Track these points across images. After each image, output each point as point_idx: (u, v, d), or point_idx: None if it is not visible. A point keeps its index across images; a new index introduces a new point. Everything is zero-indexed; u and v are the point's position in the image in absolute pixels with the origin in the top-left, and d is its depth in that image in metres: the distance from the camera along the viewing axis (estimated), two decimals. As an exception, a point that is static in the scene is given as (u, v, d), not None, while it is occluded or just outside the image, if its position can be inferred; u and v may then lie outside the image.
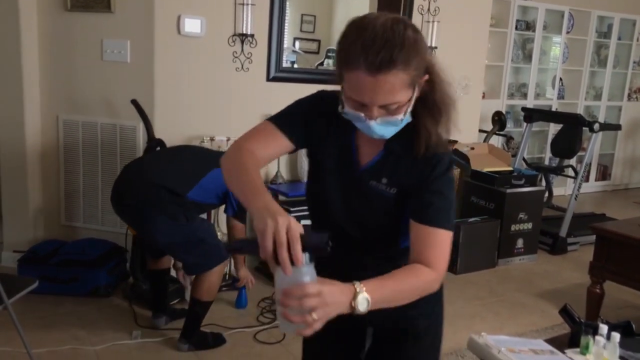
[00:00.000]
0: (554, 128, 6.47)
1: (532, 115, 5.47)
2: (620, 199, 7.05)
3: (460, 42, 4.84)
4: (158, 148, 3.43)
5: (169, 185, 2.82)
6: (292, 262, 1.05)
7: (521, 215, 4.53)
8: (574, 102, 6.88)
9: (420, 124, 1.29)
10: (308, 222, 1.46)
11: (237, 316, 3.37)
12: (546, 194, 5.52)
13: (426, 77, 1.24)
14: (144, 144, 3.59)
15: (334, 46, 3.07)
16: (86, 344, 2.96)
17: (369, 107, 1.20)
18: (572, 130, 5.45)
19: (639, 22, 7.06)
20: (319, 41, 4.52)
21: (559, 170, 5.83)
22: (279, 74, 4.08)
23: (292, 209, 3.75)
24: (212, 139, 3.76)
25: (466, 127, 4.94)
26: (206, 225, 3.04)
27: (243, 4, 3.82)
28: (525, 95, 6.54)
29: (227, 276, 3.69)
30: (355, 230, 1.39)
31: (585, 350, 1.89)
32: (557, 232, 4.87)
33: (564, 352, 1.90)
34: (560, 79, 6.82)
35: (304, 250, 1.05)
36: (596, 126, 5.01)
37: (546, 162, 6.61)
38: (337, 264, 1.19)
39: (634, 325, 2.12)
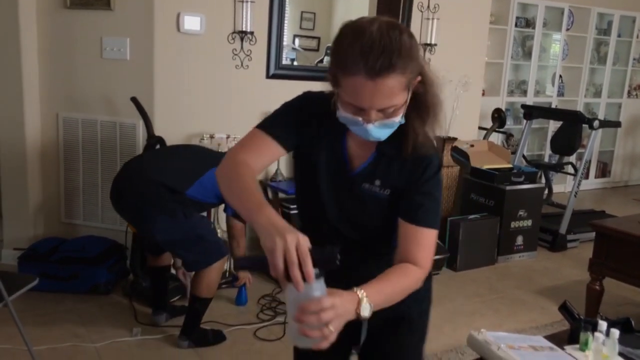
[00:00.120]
0: (553, 125, 6.46)
1: (531, 112, 5.47)
2: (620, 196, 7.05)
3: (460, 40, 4.84)
4: (158, 146, 3.43)
5: (168, 182, 2.83)
6: (303, 278, 1.06)
7: (521, 213, 4.53)
8: (573, 99, 6.87)
9: (409, 124, 1.30)
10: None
11: (237, 313, 3.37)
12: (546, 191, 5.53)
13: (419, 78, 1.26)
14: (144, 142, 3.59)
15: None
16: (86, 341, 2.96)
17: (366, 111, 1.22)
18: (571, 128, 5.44)
19: (639, 19, 7.06)
20: (318, 38, 4.51)
21: (558, 168, 5.84)
22: (278, 72, 4.07)
23: (292, 207, 3.76)
24: (212, 137, 3.77)
25: (466, 124, 4.94)
26: (205, 222, 3.04)
27: (242, 1, 3.82)
28: (525, 93, 6.54)
29: (227, 273, 3.69)
30: (349, 230, 1.42)
31: (584, 347, 1.89)
32: (557, 229, 4.87)
33: (563, 349, 1.90)
34: (560, 76, 6.81)
35: (314, 265, 1.06)
36: (596, 123, 5.01)
37: (546, 159, 6.61)
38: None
39: (633, 322, 2.13)
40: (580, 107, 6.76)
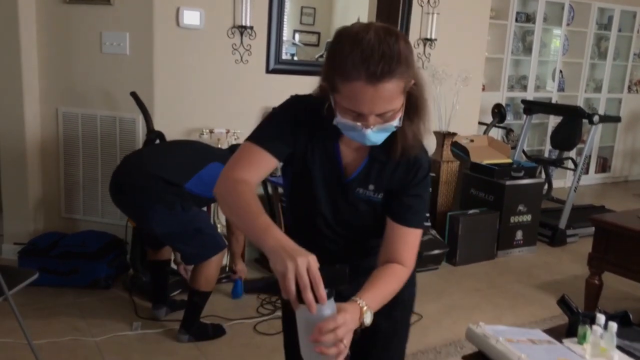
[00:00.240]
0: (553, 120, 6.46)
1: (531, 107, 5.46)
2: (619, 191, 7.05)
3: (460, 34, 4.83)
4: (157, 140, 3.43)
5: (166, 176, 2.83)
6: (316, 299, 1.07)
7: (520, 207, 4.54)
8: (574, 95, 6.87)
9: (399, 127, 1.31)
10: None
11: (237, 307, 3.38)
12: (546, 186, 5.53)
13: (412, 82, 1.27)
14: (144, 136, 3.59)
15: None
16: (87, 335, 2.97)
17: (365, 117, 1.23)
18: (571, 123, 5.44)
19: (640, 14, 7.05)
20: (318, 33, 4.51)
21: (558, 163, 5.83)
22: (278, 66, 4.07)
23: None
24: (211, 131, 3.77)
25: (466, 120, 4.94)
26: (203, 216, 3.04)
27: (242, -4, 3.82)
28: (525, 88, 6.53)
29: (227, 268, 3.70)
30: (343, 230, 1.47)
31: (582, 340, 1.89)
32: (557, 224, 4.88)
33: (561, 342, 1.91)
34: (560, 71, 6.80)
35: (325, 286, 1.08)
36: (596, 118, 5.01)
37: (546, 154, 6.61)
38: (324, 258, 1.21)
39: (631, 316, 2.13)
40: (580, 102, 6.76)
